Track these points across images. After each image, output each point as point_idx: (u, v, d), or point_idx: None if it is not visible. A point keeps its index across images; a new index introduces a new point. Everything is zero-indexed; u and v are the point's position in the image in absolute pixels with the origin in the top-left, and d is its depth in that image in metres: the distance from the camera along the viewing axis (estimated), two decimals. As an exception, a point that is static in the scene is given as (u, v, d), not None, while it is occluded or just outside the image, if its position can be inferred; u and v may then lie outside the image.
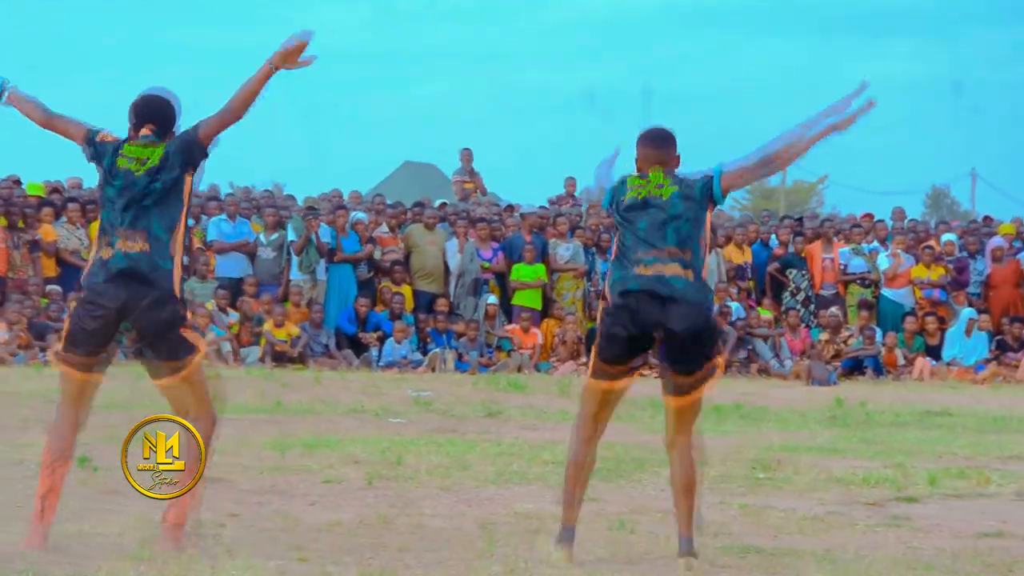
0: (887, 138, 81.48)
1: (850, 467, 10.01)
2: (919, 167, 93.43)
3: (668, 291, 6.32)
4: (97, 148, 6.48)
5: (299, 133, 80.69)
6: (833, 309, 20.16)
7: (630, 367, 6.46)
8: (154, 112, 6.51)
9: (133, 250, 6.30)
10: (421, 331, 19.00)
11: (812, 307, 20.55)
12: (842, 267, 20.80)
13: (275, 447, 10.12)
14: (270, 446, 10.19)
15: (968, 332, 20.16)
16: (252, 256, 19.22)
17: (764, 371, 19.49)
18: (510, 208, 21.63)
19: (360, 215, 19.90)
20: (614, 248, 6.56)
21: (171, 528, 6.35)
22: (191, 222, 19.02)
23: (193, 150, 6.40)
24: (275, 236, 19.17)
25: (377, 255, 19.49)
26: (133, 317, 6.29)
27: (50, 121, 6.63)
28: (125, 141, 6.47)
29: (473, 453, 10.20)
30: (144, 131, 6.46)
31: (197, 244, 19.12)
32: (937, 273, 20.87)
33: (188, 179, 6.42)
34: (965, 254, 21.55)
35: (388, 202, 21.32)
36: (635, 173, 6.60)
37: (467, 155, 22.99)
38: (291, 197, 21.93)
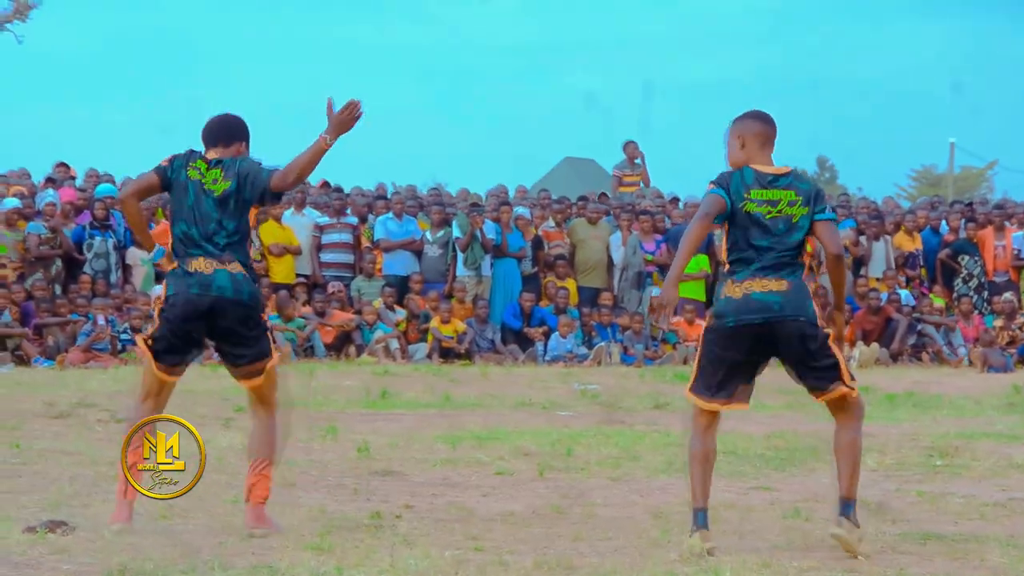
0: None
1: (1031, 454, 9.78)
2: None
3: None
4: None
5: (457, 130, 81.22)
6: (1007, 295, 19.69)
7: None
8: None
9: None
10: (586, 325, 19.00)
11: (985, 294, 20.10)
12: (1016, 252, 20.31)
13: (446, 440, 10.21)
14: (441, 440, 10.28)
15: None
16: (418, 254, 19.41)
17: (937, 358, 19.12)
18: (675, 200, 21.51)
19: (522, 210, 19.97)
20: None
21: (254, 508, 6.68)
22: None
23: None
24: (441, 233, 19.32)
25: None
26: None
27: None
28: None
29: (642, 444, 10.18)
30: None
31: (365, 243, 19.37)
32: (1116, 257, 20.26)
33: None
34: None
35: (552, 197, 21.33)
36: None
37: (632, 147, 22.85)
38: (465, 190, 22.05)
